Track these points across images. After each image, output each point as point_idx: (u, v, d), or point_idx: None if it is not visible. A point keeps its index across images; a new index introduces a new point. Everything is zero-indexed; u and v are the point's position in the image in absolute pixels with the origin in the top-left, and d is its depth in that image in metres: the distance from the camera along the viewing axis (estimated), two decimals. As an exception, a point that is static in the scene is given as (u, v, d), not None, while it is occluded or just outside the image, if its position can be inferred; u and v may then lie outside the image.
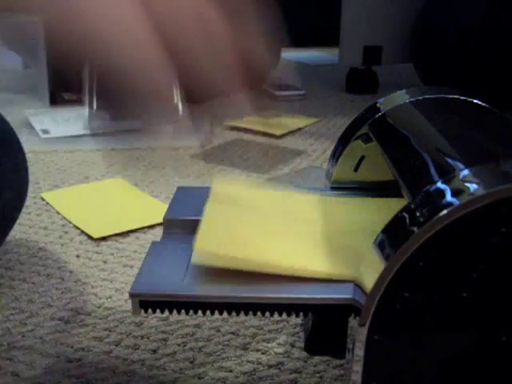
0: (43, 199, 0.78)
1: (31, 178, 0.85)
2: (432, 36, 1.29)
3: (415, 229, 0.29)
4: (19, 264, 0.61)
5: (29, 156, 0.96)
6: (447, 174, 0.31)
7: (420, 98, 0.45)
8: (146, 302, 0.33)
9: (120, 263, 0.62)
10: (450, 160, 0.34)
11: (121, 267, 0.61)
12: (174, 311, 0.33)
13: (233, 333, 0.50)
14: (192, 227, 0.41)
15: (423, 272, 0.29)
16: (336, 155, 0.47)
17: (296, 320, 0.52)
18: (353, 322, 0.31)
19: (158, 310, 0.34)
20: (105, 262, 0.62)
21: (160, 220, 0.71)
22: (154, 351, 0.48)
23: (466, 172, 0.30)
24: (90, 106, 1.06)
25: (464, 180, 0.30)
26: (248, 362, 0.47)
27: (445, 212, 0.28)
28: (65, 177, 0.86)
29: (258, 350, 0.48)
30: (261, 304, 0.33)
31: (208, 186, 0.47)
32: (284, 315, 0.33)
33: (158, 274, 0.35)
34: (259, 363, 0.46)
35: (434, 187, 0.30)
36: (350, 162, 0.46)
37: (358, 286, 0.31)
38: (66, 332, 0.50)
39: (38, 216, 0.73)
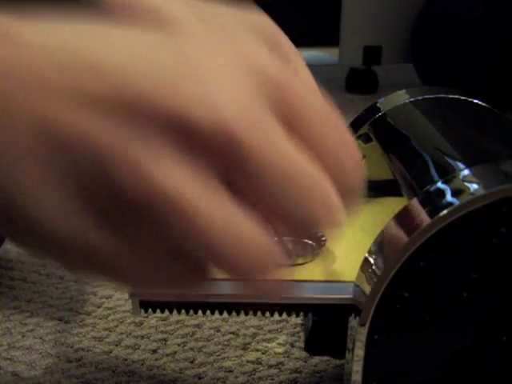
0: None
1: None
2: (432, 36, 1.29)
3: (415, 229, 0.29)
4: (19, 264, 0.61)
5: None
6: (447, 174, 0.31)
7: (420, 98, 0.45)
8: (146, 302, 0.33)
9: (120, 263, 0.62)
10: (450, 160, 0.34)
11: (121, 267, 0.61)
12: (174, 311, 0.33)
13: (233, 333, 0.50)
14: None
15: (423, 272, 0.29)
16: (336, 155, 0.47)
17: (296, 320, 0.52)
18: (353, 321, 0.31)
19: (158, 310, 0.34)
20: (105, 262, 0.62)
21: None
22: (154, 351, 0.48)
23: (466, 172, 0.30)
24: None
25: (464, 180, 0.30)
26: (248, 362, 0.47)
27: (445, 212, 0.28)
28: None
29: (257, 350, 0.48)
30: (261, 304, 0.33)
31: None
32: (284, 315, 0.33)
33: (157, 274, 0.35)
34: (259, 363, 0.46)
35: (434, 187, 0.30)
36: (350, 162, 0.46)
37: (358, 285, 0.31)
38: (65, 332, 0.50)
39: (37, 216, 0.73)
